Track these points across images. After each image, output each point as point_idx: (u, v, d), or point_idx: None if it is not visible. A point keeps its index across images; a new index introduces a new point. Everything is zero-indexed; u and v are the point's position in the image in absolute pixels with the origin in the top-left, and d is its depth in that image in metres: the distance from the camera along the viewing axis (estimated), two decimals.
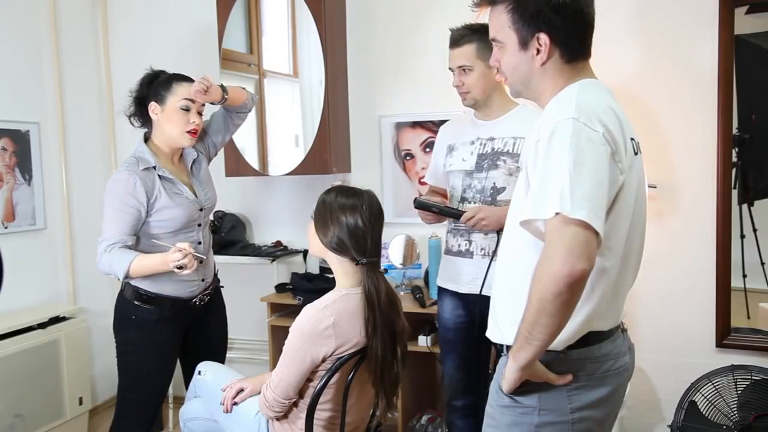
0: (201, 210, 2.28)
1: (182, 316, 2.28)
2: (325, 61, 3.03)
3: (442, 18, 3.04)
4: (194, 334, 2.38)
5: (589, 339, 1.36)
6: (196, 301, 2.29)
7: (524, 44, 1.39)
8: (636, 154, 1.38)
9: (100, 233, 2.14)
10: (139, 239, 2.19)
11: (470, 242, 2.23)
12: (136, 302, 2.21)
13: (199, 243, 2.29)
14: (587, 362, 1.37)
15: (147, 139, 2.26)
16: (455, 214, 2.17)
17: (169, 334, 2.27)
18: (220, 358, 2.45)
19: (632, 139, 1.38)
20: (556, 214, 1.20)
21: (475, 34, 2.18)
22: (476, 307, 2.20)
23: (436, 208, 2.20)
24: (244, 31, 3.20)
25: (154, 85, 2.23)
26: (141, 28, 3.64)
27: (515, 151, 2.15)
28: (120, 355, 2.28)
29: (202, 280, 2.31)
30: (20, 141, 3.22)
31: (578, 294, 1.22)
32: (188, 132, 2.19)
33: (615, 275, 1.36)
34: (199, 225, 2.29)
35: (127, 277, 2.10)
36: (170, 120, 2.19)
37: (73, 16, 3.52)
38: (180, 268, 2.00)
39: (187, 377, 2.42)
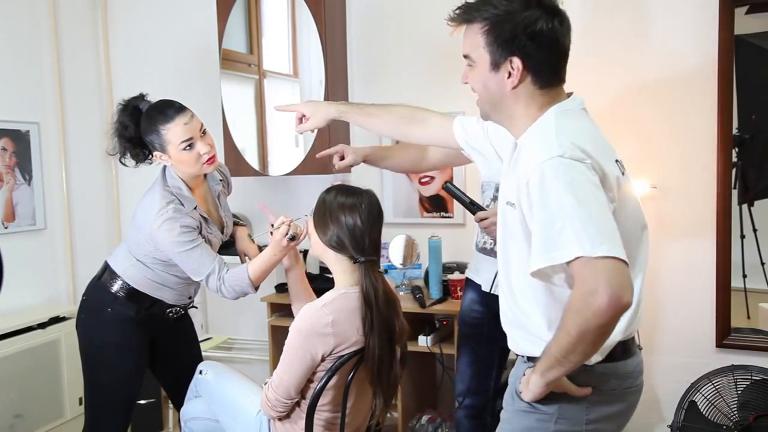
0: (220, 244, 2.25)
1: (152, 324, 2.22)
2: (325, 61, 3.03)
3: (442, 18, 3.04)
4: (163, 349, 2.33)
5: (614, 354, 1.38)
6: (171, 313, 2.25)
7: (496, 66, 1.38)
8: (623, 174, 1.38)
9: (197, 275, 2.06)
10: (146, 265, 2.13)
11: (495, 241, 2.22)
12: (117, 293, 2.14)
13: None
14: (611, 378, 1.39)
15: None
16: (472, 211, 2.16)
17: (139, 336, 2.21)
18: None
19: (617, 161, 1.38)
20: (578, 257, 1.18)
21: None
22: (495, 304, 2.20)
23: (460, 200, 2.18)
24: (244, 31, 3.21)
25: (144, 132, 2.07)
26: (141, 29, 3.64)
27: None
28: (90, 355, 2.20)
29: (189, 297, 2.29)
30: (20, 141, 3.22)
31: (617, 321, 1.22)
32: (205, 163, 2.07)
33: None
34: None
35: (256, 288, 2.09)
36: (182, 162, 2.06)
37: (73, 16, 3.52)
38: (293, 239, 1.98)
39: (167, 389, 2.46)
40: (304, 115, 2.07)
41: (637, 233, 1.41)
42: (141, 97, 2.13)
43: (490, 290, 2.17)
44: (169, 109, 2.05)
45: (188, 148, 2.03)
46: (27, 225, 3.25)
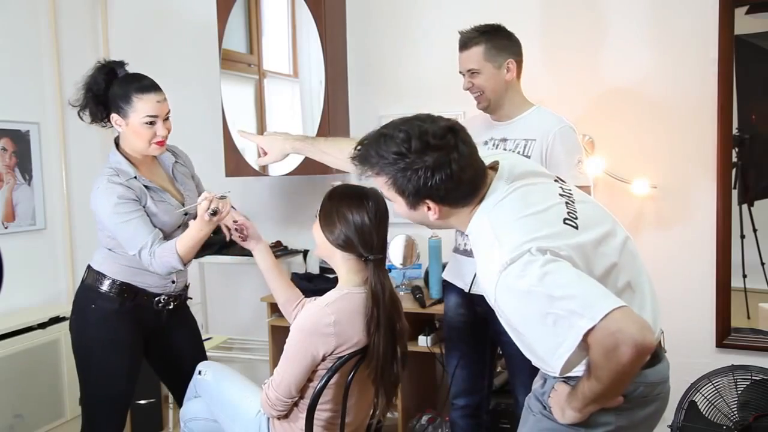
0: (186, 215, 2.23)
1: (142, 315, 2.21)
2: (325, 61, 3.03)
3: (442, 18, 3.05)
4: (160, 349, 2.33)
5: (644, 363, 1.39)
6: (160, 301, 2.23)
7: (413, 206, 1.40)
8: (576, 227, 1.36)
9: (132, 248, 2.06)
10: (115, 251, 2.15)
11: None
12: (98, 288, 2.15)
13: None
14: (641, 386, 1.40)
15: (117, 144, 2.20)
16: None
17: (129, 332, 2.20)
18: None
19: (565, 219, 1.36)
20: (588, 333, 1.19)
21: (483, 36, 2.16)
22: (479, 306, 2.20)
23: None
24: (244, 31, 3.20)
25: (113, 93, 2.11)
26: (141, 29, 3.64)
27: (526, 154, 2.13)
28: (82, 355, 2.21)
29: (173, 282, 2.26)
30: (20, 141, 3.22)
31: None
32: (156, 143, 2.13)
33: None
34: (179, 227, 2.24)
35: (184, 263, 2.07)
36: (136, 134, 2.11)
37: (73, 16, 3.52)
38: (214, 213, 1.98)
39: (171, 388, 2.45)
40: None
41: (619, 256, 1.41)
42: (121, 64, 2.20)
43: (469, 290, 2.18)
44: (147, 81, 2.13)
45: (150, 124, 2.08)
46: (27, 225, 3.25)
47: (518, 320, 1.30)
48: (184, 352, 2.36)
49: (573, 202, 1.42)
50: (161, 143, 2.14)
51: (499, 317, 1.44)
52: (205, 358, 2.38)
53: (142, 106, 2.08)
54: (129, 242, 2.07)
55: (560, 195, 1.43)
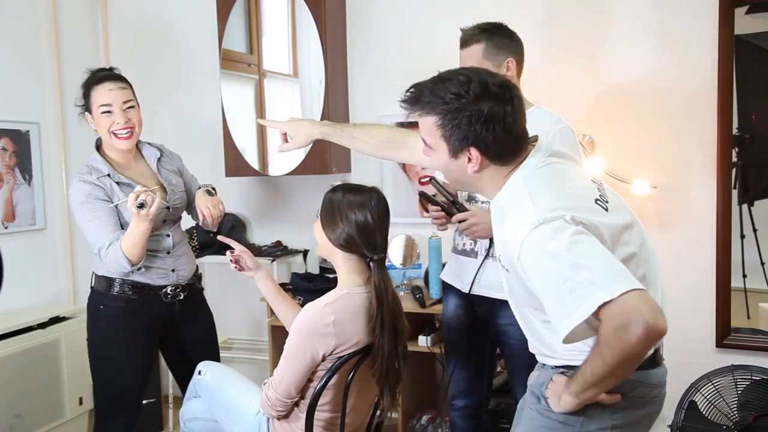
0: (168, 209, 2.23)
1: (153, 310, 2.23)
2: (325, 61, 3.03)
3: (442, 17, 3.05)
4: (173, 340, 2.34)
5: (644, 363, 1.39)
6: (167, 293, 2.24)
7: (455, 154, 1.39)
8: (606, 210, 1.38)
9: (93, 246, 2.11)
10: None
11: (475, 242, 2.21)
12: (106, 291, 2.18)
13: (168, 236, 2.25)
14: (640, 386, 1.41)
15: (99, 146, 2.23)
16: (450, 212, 2.14)
17: (140, 328, 2.22)
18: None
19: (597, 199, 1.38)
20: (601, 307, 1.19)
21: (484, 34, 2.15)
22: (479, 307, 2.19)
23: (436, 204, 2.18)
24: (244, 31, 3.21)
25: (83, 93, 2.18)
26: (141, 28, 3.64)
27: None
28: (91, 352, 2.25)
29: (173, 271, 2.25)
30: (20, 141, 3.22)
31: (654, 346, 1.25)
32: (112, 133, 2.14)
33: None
34: (165, 221, 2.24)
35: (132, 262, 2.07)
36: (98, 125, 2.17)
37: (73, 16, 3.52)
38: (141, 206, 1.96)
39: (180, 381, 2.43)
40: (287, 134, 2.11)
41: (639, 248, 1.42)
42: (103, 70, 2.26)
43: (469, 291, 2.17)
44: (104, 71, 2.21)
45: (106, 113, 2.13)
46: (27, 225, 3.25)
47: (536, 280, 1.29)
48: (195, 348, 2.37)
49: (603, 189, 1.45)
50: (121, 135, 2.15)
51: (512, 281, 1.43)
52: (217, 354, 2.38)
53: (96, 96, 2.14)
54: (91, 241, 2.11)
55: (592, 181, 1.47)
